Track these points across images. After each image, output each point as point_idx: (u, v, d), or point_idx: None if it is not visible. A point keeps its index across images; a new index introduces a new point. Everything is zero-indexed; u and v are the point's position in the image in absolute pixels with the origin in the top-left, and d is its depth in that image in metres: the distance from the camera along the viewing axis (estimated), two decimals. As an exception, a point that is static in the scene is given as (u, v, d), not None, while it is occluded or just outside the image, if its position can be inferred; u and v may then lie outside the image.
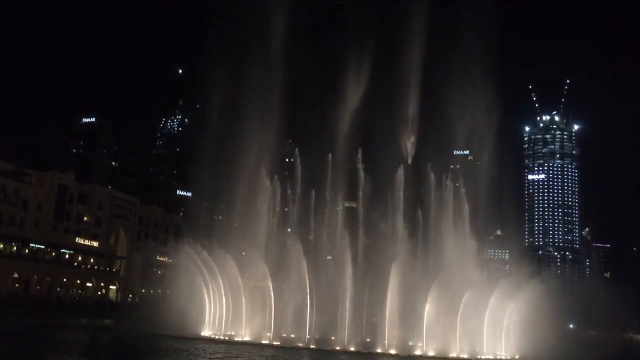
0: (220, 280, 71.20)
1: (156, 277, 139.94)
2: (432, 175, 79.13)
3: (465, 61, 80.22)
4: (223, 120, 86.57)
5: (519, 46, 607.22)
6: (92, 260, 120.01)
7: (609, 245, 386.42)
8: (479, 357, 64.64)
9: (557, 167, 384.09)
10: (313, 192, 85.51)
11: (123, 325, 74.59)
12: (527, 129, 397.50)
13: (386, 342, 65.58)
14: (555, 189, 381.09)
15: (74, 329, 68.04)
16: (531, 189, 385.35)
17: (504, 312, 66.51)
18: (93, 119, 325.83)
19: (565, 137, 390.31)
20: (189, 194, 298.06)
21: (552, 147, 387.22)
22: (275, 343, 65.01)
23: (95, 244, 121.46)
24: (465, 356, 63.59)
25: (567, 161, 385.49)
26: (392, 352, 62.53)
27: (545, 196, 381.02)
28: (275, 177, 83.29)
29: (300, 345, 63.92)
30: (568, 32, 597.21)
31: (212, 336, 68.34)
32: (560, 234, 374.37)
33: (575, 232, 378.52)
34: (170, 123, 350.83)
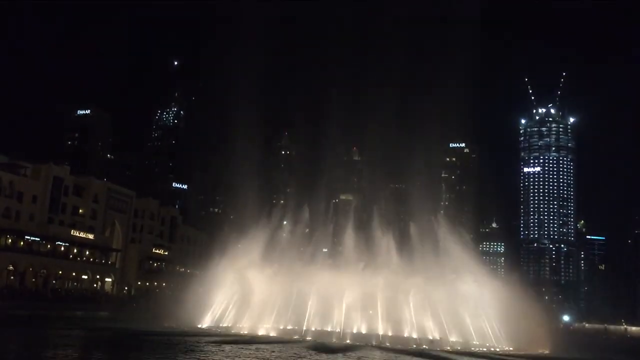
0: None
1: (152, 269, 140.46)
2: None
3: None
4: (218, 112, 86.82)
5: (516, 39, 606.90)
6: (87, 252, 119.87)
7: (604, 238, 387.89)
8: (473, 348, 65.07)
9: (552, 159, 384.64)
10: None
11: (120, 318, 74.70)
12: (523, 121, 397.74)
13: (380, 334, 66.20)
14: (551, 182, 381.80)
15: (69, 320, 68.01)
16: (527, 181, 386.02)
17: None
18: (88, 111, 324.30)
19: (561, 129, 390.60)
20: (185, 187, 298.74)
21: (548, 139, 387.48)
22: (272, 335, 65.28)
23: (91, 236, 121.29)
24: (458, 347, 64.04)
25: (563, 154, 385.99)
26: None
27: (541, 189, 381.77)
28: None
29: (297, 337, 64.17)
30: (565, 25, 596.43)
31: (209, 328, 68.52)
32: (555, 227, 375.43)
33: (571, 225, 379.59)
34: (165, 115, 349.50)
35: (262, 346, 53.96)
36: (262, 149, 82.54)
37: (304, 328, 67.54)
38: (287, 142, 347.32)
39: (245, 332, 66.42)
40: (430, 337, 64.95)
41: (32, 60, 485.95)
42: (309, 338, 63.87)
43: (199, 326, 69.77)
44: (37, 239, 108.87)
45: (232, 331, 66.92)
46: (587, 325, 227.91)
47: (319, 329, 67.97)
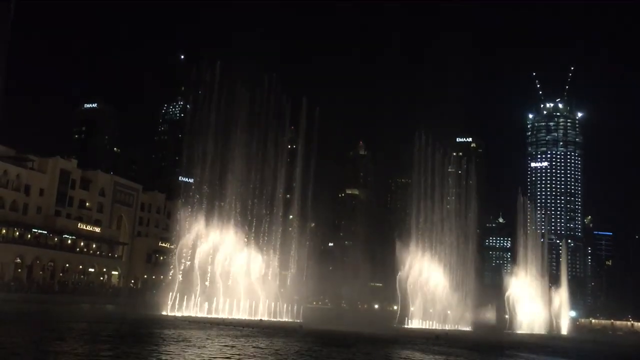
0: None
1: (158, 262, 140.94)
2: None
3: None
4: (225, 106, 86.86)
5: (523, 34, 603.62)
6: (94, 245, 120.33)
7: (611, 234, 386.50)
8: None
9: (560, 154, 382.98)
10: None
11: (127, 311, 74.94)
12: (530, 116, 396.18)
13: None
14: (558, 177, 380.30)
15: (76, 313, 68.25)
16: (534, 176, 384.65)
17: None
18: (95, 105, 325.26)
19: (568, 124, 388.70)
20: (191, 180, 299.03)
21: (556, 134, 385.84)
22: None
23: (98, 229, 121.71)
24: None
25: (571, 149, 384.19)
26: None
27: (548, 184, 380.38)
28: None
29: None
30: (573, 20, 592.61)
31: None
32: (562, 222, 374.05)
33: (578, 220, 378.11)
34: (172, 109, 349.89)
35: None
36: (268, 143, 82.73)
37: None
38: (293, 136, 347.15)
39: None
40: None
41: (38, 54, 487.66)
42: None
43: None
44: (44, 231, 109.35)
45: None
46: (593, 320, 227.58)
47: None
